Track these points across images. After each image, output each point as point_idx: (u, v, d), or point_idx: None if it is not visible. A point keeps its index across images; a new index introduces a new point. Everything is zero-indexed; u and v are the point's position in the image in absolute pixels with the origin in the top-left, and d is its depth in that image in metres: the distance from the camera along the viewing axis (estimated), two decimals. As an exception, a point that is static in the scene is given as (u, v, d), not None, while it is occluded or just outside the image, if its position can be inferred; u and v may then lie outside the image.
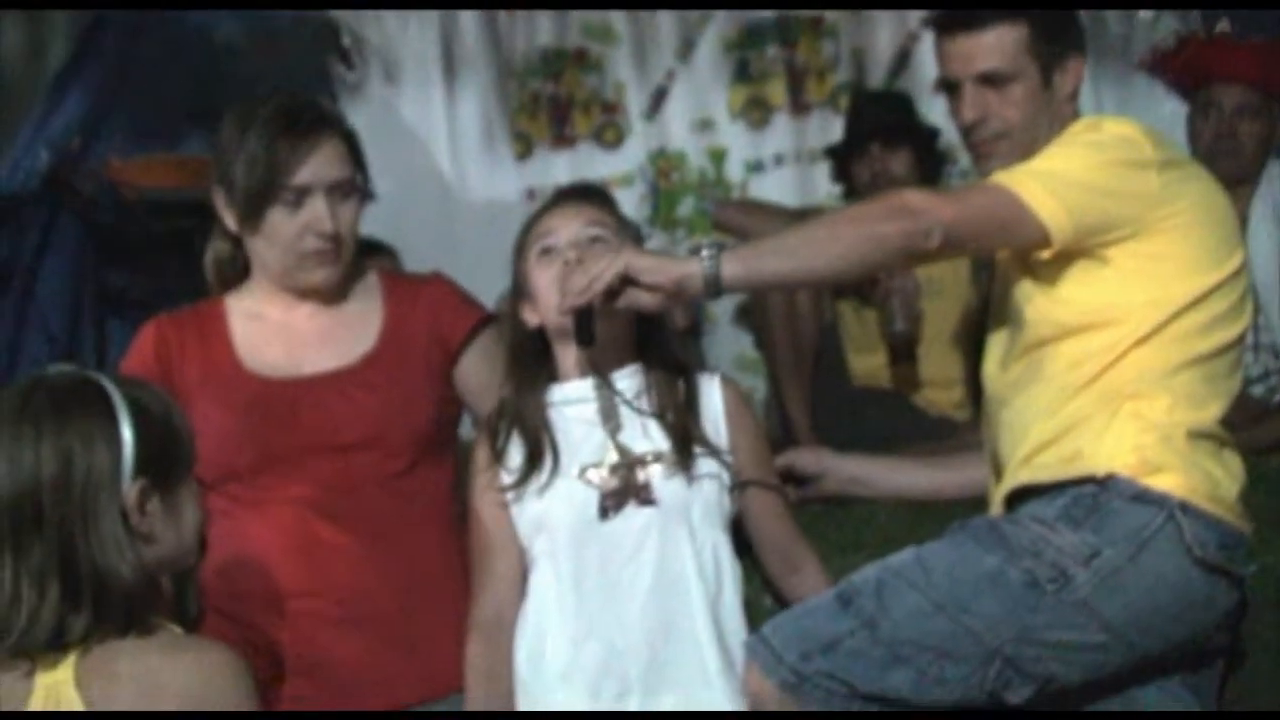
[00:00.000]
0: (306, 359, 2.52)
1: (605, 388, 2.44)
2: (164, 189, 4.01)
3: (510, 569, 2.44)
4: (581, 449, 2.42)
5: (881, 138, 4.08)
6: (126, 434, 1.93)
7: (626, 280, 2.26)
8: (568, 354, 2.46)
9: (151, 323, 2.58)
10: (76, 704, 1.89)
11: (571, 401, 2.45)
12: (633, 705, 2.34)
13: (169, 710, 1.88)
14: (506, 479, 2.44)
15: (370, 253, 3.59)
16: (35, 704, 1.90)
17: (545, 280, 2.42)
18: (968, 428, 3.42)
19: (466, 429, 2.67)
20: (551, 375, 2.48)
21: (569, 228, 2.45)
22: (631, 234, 2.54)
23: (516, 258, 2.50)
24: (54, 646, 1.91)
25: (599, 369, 2.43)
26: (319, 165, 2.46)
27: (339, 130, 2.51)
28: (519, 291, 2.49)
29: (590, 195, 2.92)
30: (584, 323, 2.30)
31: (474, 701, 2.40)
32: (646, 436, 2.42)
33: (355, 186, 2.51)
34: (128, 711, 1.89)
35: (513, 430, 2.45)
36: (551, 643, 2.37)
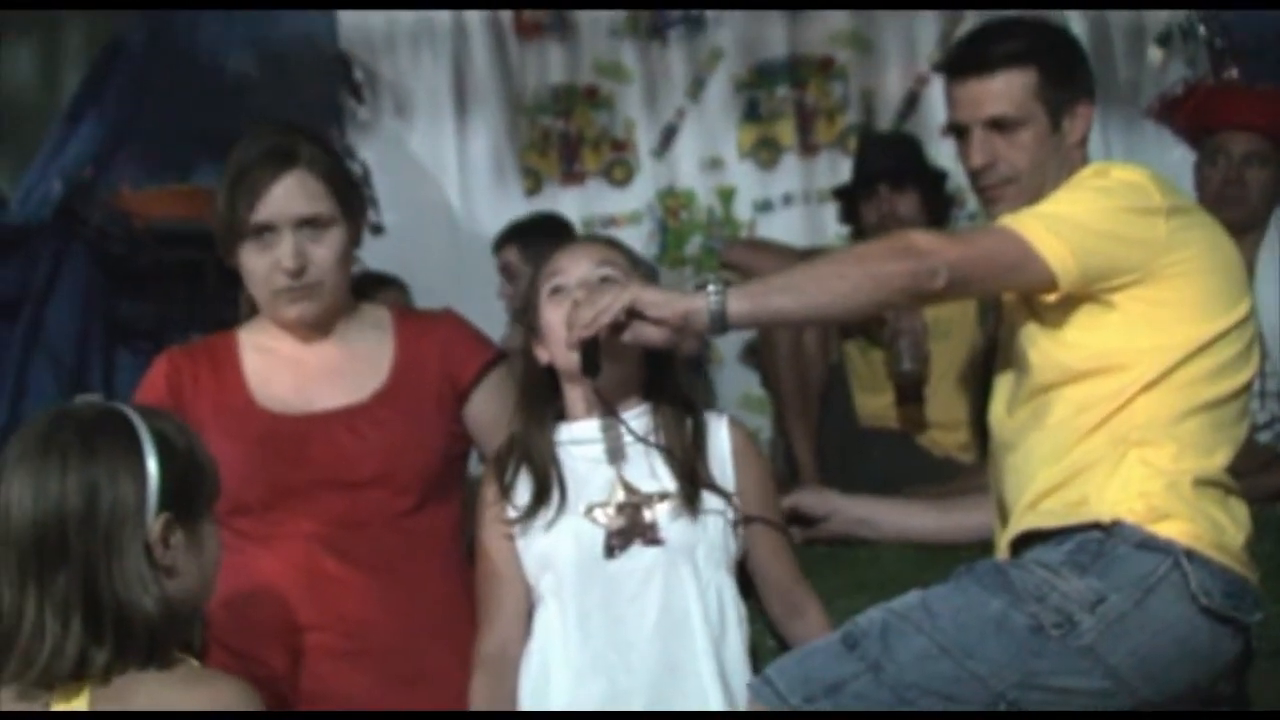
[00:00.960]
0: (318, 395, 2.52)
1: (613, 427, 2.44)
2: (174, 219, 4.02)
3: (516, 604, 2.44)
4: (588, 487, 2.43)
5: (889, 179, 4.09)
6: (152, 467, 1.93)
7: (633, 314, 2.27)
8: (577, 393, 2.47)
9: (164, 355, 2.59)
10: None
11: (580, 441, 2.46)
12: (635, 742, 2.34)
13: None
14: (513, 514, 2.44)
15: (379, 286, 3.61)
16: None
17: (555, 319, 2.43)
18: (973, 470, 3.42)
19: (475, 466, 2.67)
20: (560, 414, 2.49)
21: (579, 267, 2.45)
22: (644, 272, 2.55)
23: (528, 295, 2.51)
24: (75, 677, 1.90)
25: (608, 407, 2.44)
26: (282, 201, 2.45)
27: (310, 165, 2.47)
28: (530, 329, 2.50)
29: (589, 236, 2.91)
30: (590, 353, 2.30)
31: (477, 736, 2.40)
32: (654, 476, 2.43)
33: (332, 221, 2.48)
34: (131, 712, 1.89)
35: (521, 466, 2.46)
36: (556, 679, 2.37)
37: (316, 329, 2.53)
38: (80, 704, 1.90)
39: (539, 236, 4.21)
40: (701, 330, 2.30)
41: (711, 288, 2.27)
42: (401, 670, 2.44)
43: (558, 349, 2.43)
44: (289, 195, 2.45)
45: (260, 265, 2.47)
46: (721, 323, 2.26)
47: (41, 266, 3.88)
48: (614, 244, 2.56)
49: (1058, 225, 2.34)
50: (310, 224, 2.46)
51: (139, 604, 1.90)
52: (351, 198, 2.54)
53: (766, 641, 2.54)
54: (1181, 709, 2.33)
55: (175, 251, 3.98)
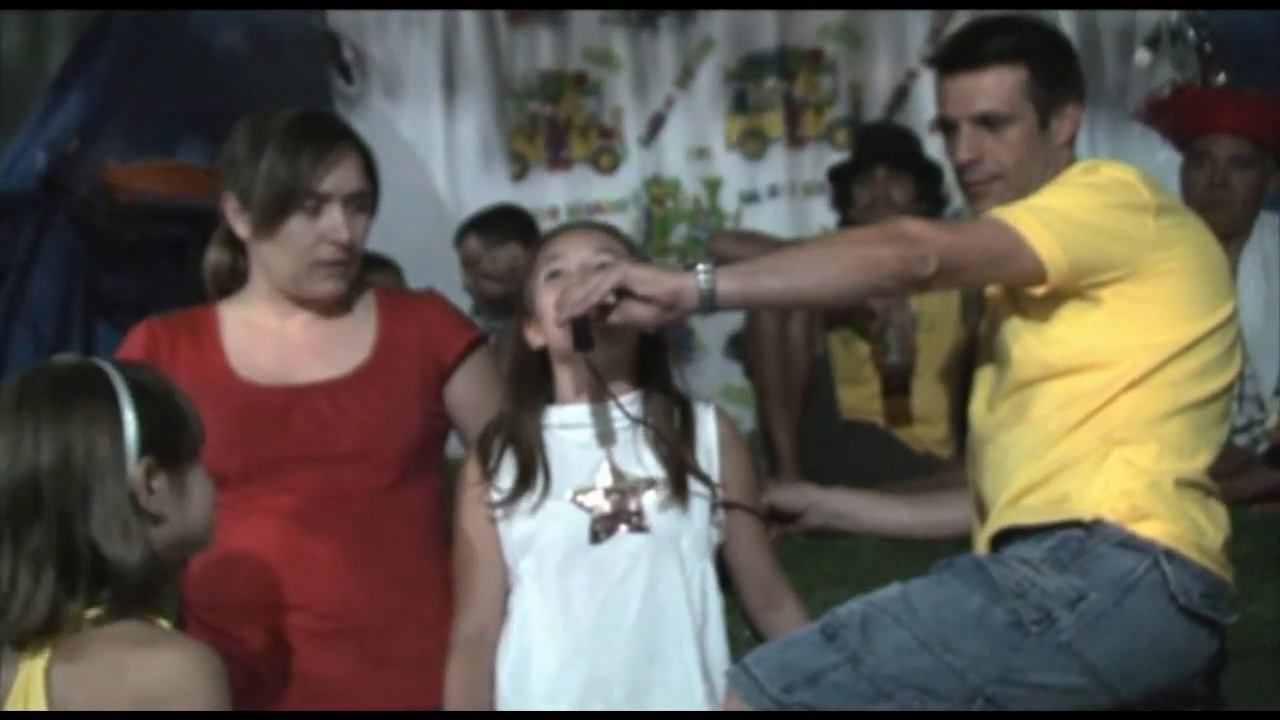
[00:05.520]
0: (299, 368, 2.51)
1: (603, 412, 2.43)
2: (158, 194, 4.01)
3: (493, 587, 2.43)
4: (575, 471, 2.42)
5: (888, 162, 4.09)
6: (128, 415, 1.93)
7: (622, 292, 2.27)
8: (567, 376, 2.46)
9: (143, 324, 2.57)
10: (40, 691, 1.88)
11: (569, 425, 2.45)
12: (619, 728, 2.34)
13: (123, 708, 1.86)
14: (496, 496, 2.44)
15: (372, 267, 3.60)
16: (15, 691, 1.90)
17: (551, 303, 2.42)
18: (949, 466, 3.43)
19: (454, 448, 2.67)
20: (550, 397, 2.48)
21: (578, 252, 2.44)
22: (641, 259, 2.55)
23: (524, 278, 2.51)
24: (47, 632, 1.90)
25: (600, 385, 2.42)
26: (341, 175, 2.47)
27: (358, 144, 2.52)
28: (524, 311, 2.49)
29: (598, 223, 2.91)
30: (582, 329, 2.30)
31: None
32: (640, 463, 2.42)
33: (368, 201, 2.52)
34: (136, 712, 1.87)
35: (506, 448, 2.45)
36: (537, 664, 2.36)
37: (321, 305, 2.53)
38: (41, 661, 1.89)
39: (500, 226, 4.26)
40: (690, 309, 2.30)
41: (701, 266, 2.27)
42: (376, 651, 2.43)
43: (551, 330, 2.42)
44: (348, 168, 2.48)
45: (307, 236, 2.46)
46: (711, 301, 2.26)
47: (24, 237, 3.87)
48: (612, 231, 2.56)
49: (1048, 218, 2.35)
50: (354, 200, 2.49)
51: (120, 555, 1.89)
52: (377, 181, 2.56)
53: (744, 632, 2.54)
54: (1157, 709, 2.34)
55: (159, 226, 3.97)
